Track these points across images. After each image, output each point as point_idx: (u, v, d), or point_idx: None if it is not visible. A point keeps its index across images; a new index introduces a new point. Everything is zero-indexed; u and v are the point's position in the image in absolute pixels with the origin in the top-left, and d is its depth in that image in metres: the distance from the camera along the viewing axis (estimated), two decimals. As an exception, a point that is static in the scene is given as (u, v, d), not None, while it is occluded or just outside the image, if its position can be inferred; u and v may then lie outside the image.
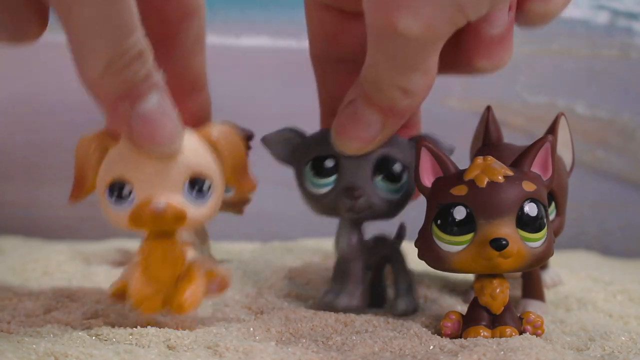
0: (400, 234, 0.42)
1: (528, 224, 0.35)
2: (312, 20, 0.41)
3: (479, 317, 0.36)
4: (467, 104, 0.69)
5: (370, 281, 0.41)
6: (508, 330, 0.35)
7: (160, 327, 0.36)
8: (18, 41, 0.34)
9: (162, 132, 0.33)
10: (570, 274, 0.53)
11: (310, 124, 0.42)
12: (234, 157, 0.37)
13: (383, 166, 0.39)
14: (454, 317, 0.37)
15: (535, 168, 0.37)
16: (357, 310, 0.40)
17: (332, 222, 0.41)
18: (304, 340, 0.36)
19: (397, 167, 0.39)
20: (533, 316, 0.36)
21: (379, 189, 0.39)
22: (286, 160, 0.42)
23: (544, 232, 0.35)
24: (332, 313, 0.39)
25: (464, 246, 0.35)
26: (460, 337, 0.36)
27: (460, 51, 0.36)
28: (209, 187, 0.35)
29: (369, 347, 0.35)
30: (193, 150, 0.35)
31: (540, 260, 0.36)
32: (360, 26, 0.36)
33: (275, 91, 0.69)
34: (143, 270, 0.36)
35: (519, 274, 0.44)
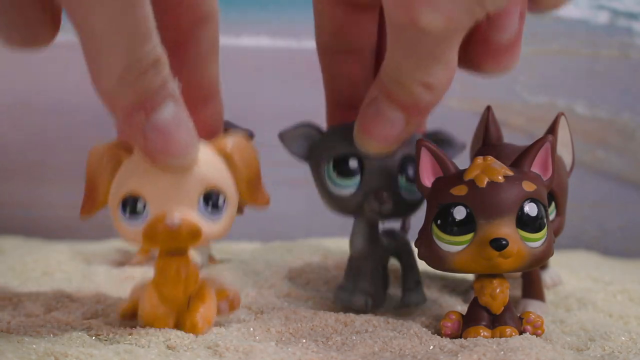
0: (404, 225, 0.43)
1: (528, 224, 0.35)
2: (321, 11, 0.40)
3: (479, 317, 0.36)
4: (467, 104, 0.69)
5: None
6: (508, 330, 0.35)
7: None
8: (31, 45, 0.34)
9: (177, 143, 0.32)
10: (570, 274, 0.53)
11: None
12: (249, 171, 0.35)
13: (406, 166, 0.39)
14: (454, 317, 0.37)
15: (535, 168, 0.37)
16: (373, 309, 0.40)
17: (333, 223, 0.41)
18: (304, 340, 0.36)
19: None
20: (533, 316, 0.36)
21: (403, 189, 0.39)
22: (303, 156, 0.41)
23: (544, 232, 0.35)
24: (332, 313, 0.39)
25: (464, 246, 0.35)
26: (460, 337, 0.36)
27: (469, 54, 0.36)
28: (224, 202, 0.34)
29: (369, 347, 0.35)
30: (208, 163, 0.34)
31: (540, 260, 0.36)
32: (370, 18, 0.36)
33: (275, 91, 0.69)
34: (155, 289, 0.35)
35: (519, 274, 0.44)
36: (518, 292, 0.44)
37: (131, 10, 0.30)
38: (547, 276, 0.49)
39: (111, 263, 0.55)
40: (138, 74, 0.31)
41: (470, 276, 0.46)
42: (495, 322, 0.36)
